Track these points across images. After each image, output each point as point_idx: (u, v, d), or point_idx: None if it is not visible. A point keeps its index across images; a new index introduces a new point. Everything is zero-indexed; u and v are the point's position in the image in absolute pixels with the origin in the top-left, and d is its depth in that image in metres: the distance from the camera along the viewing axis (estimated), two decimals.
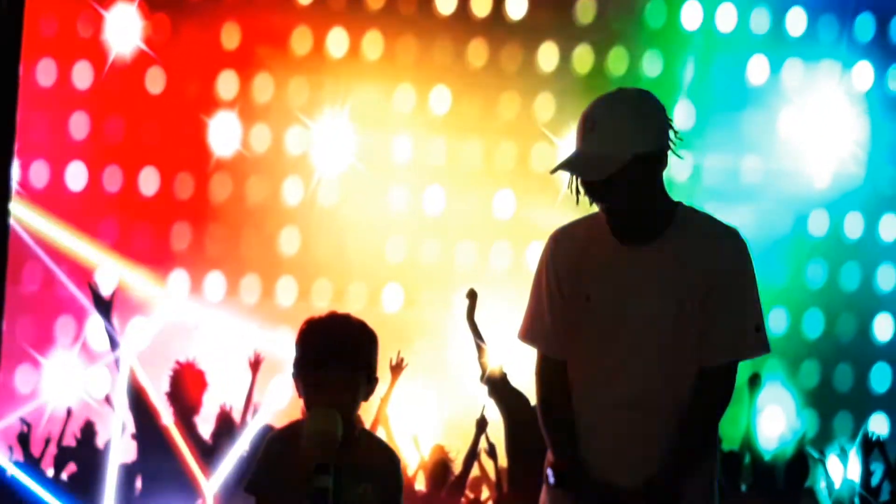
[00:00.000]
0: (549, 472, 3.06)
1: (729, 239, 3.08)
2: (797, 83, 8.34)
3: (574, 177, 3.05)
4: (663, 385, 3.04)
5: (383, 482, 2.91)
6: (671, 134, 3.06)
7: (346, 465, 2.85)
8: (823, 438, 7.96)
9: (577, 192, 3.06)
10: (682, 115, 8.00)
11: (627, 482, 3.02)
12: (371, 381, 2.93)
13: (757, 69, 8.34)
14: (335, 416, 2.78)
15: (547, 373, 3.11)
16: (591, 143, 3.00)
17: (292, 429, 2.90)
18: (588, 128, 3.02)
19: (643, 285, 3.04)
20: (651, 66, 8.24)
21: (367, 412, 5.77)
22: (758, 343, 3.06)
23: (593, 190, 3.04)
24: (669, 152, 3.08)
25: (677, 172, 7.87)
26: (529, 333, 3.14)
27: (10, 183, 4.89)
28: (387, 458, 2.96)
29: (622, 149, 2.98)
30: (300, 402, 2.96)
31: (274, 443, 2.92)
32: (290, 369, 2.97)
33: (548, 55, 8.22)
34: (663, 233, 3.06)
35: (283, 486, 2.80)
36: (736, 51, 8.32)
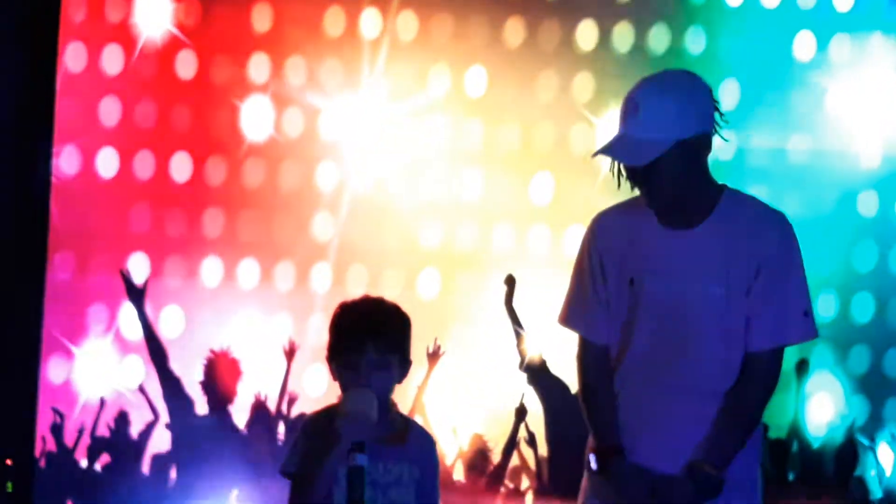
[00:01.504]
0: (592, 457, 3.08)
1: (775, 223, 3.08)
2: (845, 59, 8.25)
3: (615, 161, 3.04)
4: (712, 371, 3.05)
5: (420, 464, 2.97)
6: (716, 116, 3.07)
7: (381, 447, 2.90)
8: (873, 425, 7.89)
9: (619, 175, 3.06)
10: (726, 94, 7.94)
11: (671, 468, 3.02)
12: (405, 364, 2.99)
13: (803, 45, 8.25)
14: (370, 396, 2.84)
15: (589, 358, 3.14)
16: (634, 127, 3.01)
17: (328, 412, 2.96)
18: (631, 111, 3.02)
19: (689, 270, 3.05)
20: (693, 43, 8.18)
21: (403, 400, 5.79)
22: (805, 328, 3.07)
23: (635, 175, 3.05)
24: (714, 135, 3.08)
25: (722, 153, 7.82)
26: (570, 318, 3.16)
27: (50, 176, 4.95)
28: (423, 440, 3.01)
29: (665, 134, 2.99)
30: (335, 391, 3.00)
31: (309, 426, 2.99)
32: (325, 356, 3.02)
33: (587, 33, 8.18)
34: (708, 217, 3.07)
35: (318, 467, 2.85)
36: (781, 26, 8.24)
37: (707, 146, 3.05)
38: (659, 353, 3.03)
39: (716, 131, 3.06)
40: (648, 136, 2.97)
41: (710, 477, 2.98)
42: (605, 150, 3.04)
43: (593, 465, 3.05)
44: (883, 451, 7.25)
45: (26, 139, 5.72)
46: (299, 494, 2.91)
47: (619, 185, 3.06)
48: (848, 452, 6.94)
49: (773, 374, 3.04)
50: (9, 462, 6.02)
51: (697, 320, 3.02)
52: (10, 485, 5.97)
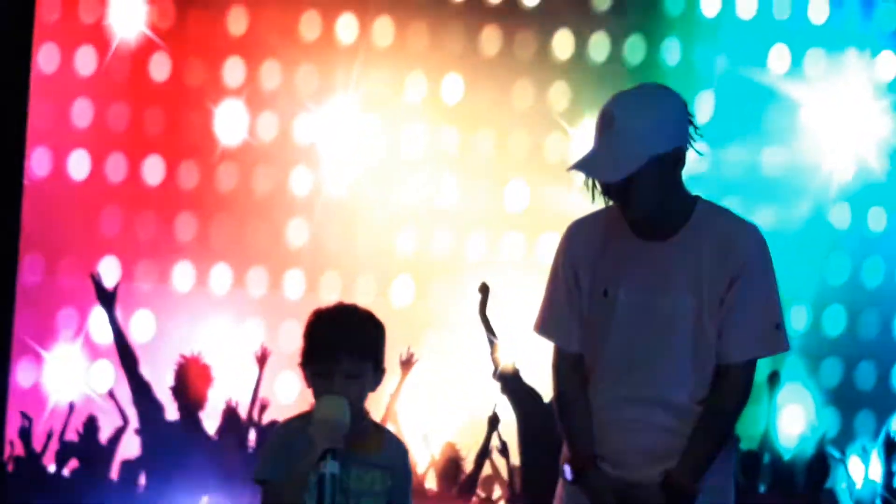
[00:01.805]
0: (567, 467, 3.09)
1: (748, 235, 3.11)
2: (820, 72, 8.32)
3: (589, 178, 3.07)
4: (684, 382, 3.08)
5: (392, 472, 2.98)
6: (691, 130, 3.09)
7: (354, 455, 2.92)
8: (845, 438, 7.95)
9: (594, 189, 3.07)
10: (701, 106, 8.00)
11: (645, 478, 3.05)
12: (378, 372, 3.00)
13: (778, 58, 8.32)
14: (343, 403, 2.85)
15: (564, 367, 3.16)
16: (609, 142, 3.01)
17: (300, 419, 2.97)
18: (606, 124, 3.03)
19: (663, 281, 3.08)
20: (669, 54, 8.23)
21: (376, 408, 5.80)
22: (777, 341, 3.10)
23: (611, 190, 3.07)
24: (689, 149, 3.10)
25: (697, 165, 7.83)
26: (545, 326, 3.18)
27: (22, 177, 4.91)
28: (396, 449, 3.03)
29: (641, 149, 3.00)
30: (307, 397, 3.01)
31: (282, 432, 3.00)
32: (298, 362, 3.03)
33: (563, 43, 8.22)
34: (682, 228, 3.10)
35: (290, 474, 2.87)
36: (757, 39, 8.30)
37: (682, 160, 3.07)
38: (632, 364, 3.06)
39: (690, 145, 3.09)
40: (624, 152, 2.99)
41: (685, 488, 3.01)
42: (581, 166, 3.06)
43: (568, 476, 3.07)
44: (853, 463, 7.30)
45: None
46: (271, 501, 2.91)
47: (593, 199, 3.07)
48: (819, 464, 6.98)
49: (745, 385, 3.07)
50: None
51: (670, 331, 3.05)
52: None
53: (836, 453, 7.25)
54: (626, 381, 3.07)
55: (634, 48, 8.22)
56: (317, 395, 2.94)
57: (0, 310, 5.74)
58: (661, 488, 3.01)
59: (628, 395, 3.07)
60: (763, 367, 7.05)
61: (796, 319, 8.09)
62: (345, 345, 2.93)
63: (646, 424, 3.05)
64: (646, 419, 3.05)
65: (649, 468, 3.04)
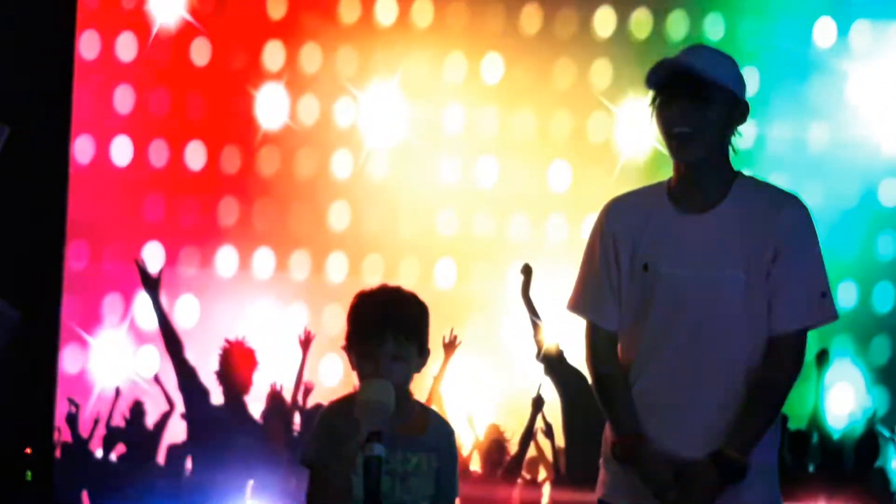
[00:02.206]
0: (612, 446, 3.08)
1: (790, 205, 3.09)
2: (866, 45, 8.23)
3: (660, 94, 3.03)
4: (733, 356, 3.05)
5: (438, 453, 2.98)
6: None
7: (400, 436, 2.92)
8: (894, 416, 7.89)
9: (662, 112, 3.03)
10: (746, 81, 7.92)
11: (693, 455, 3.03)
12: (423, 354, 3.00)
13: (823, 31, 8.24)
14: (388, 385, 2.84)
15: (602, 345, 3.14)
16: (700, 60, 3.05)
17: (346, 401, 2.97)
18: (695, 50, 3.10)
19: (708, 254, 3.05)
20: (712, 29, 8.17)
21: (420, 391, 5.81)
22: (825, 309, 3.06)
23: (683, 109, 3.02)
24: (745, 121, 3.12)
25: (742, 141, 7.75)
26: (580, 304, 3.16)
27: (68, 164, 4.95)
28: (441, 430, 3.02)
29: (725, 75, 3.05)
30: (351, 380, 3.02)
31: (328, 415, 3.00)
32: (342, 345, 3.04)
33: (604, 20, 8.18)
34: (723, 200, 3.08)
35: (337, 457, 2.87)
36: (801, 12, 8.22)
37: (740, 119, 3.10)
38: (676, 339, 3.03)
39: (747, 113, 3.12)
40: (713, 71, 3.03)
41: (736, 463, 2.99)
42: (672, 59, 3.05)
43: (617, 454, 3.05)
44: None
45: (44, 129, 5.76)
46: (318, 484, 2.93)
47: (653, 115, 2.99)
48: (868, 443, 6.93)
49: (797, 356, 3.04)
50: (28, 451, 6.07)
51: (718, 305, 3.01)
52: (28, 473, 6.02)
53: (885, 432, 7.20)
54: (671, 358, 3.04)
55: (677, 24, 8.16)
56: (361, 377, 2.95)
57: (49, 298, 5.81)
58: (711, 463, 2.99)
59: (673, 371, 3.04)
60: (812, 346, 6.99)
61: (845, 296, 8.03)
62: (389, 326, 2.93)
63: (694, 401, 3.02)
64: (693, 396, 3.02)
65: (698, 445, 3.01)
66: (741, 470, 3.01)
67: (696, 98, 3.01)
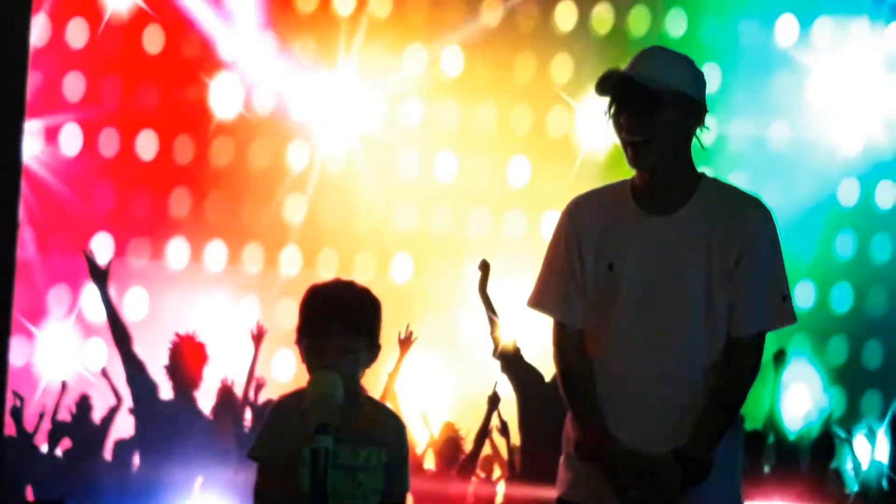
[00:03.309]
0: (576, 444, 3.10)
1: (753, 207, 3.15)
2: (828, 43, 8.29)
3: (612, 101, 3.07)
4: (693, 356, 3.10)
5: (388, 448, 3.00)
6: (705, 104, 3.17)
7: (349, 431, 2.93)
8: (851, 418, 7.96)
9: (617, 119, 3.08)
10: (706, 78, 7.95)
11: (657, 453, 3.07)
12: (373, 348, 3.02)
13: (785, 29, 8.29)
14: (336, 379, 2.87)
15: (567, 343, 3.17)
16: (644, 67, 3.09)
17: (296, 395, 2.99)
18: (644, 56, 3.13)
19: (670, 256, 3.10)
20: (674, 26, 8.20)
21: (374, 387, 5.80)
22: (785, 313, 3.13)
23: (634, 117, 3.06)
24: (702, 125, 3.15)
25: (703, 139, 7.76)
26: (544, 301, 3.19)
27: (21, 154, 4.87)
28: (391, 424, 3.05)
29: (674, 78, 3.08)
30: (304, 376, 3.02)
31: (277, 409, 3.03)
32: (294, 339, 3.06)
33: (565, 14, 8.19)
34: (688, 202, 3.13)
35: (286, 450, 2.89)
36: (763, 9, 8.27)
37: (699, 120, 3.13)
38: (638, 338, 3.08)
39: (706, 112, 3.13)
40: (660, 77, 3.06)
41: (700, 461, 3.04)
42: (619, 71, 3.09)
43: (580, 451, 3.07)
44: (860, 443, 7.31)
45: None
46: (265, 479, 2.95)
47: (607, 120, 3.05)
48: (824, 445, 6.99)
49: (755, 358, 3.11)
50: None
51: (680, 306, 3.07)
52: None
53: (841, 433, 7.26)
54: (633, 357, 3.09)
55: (638, 19, 8.19)
56: (310, 370, 2.97)
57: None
58: (674, 461, 3.03)
59: (635, 370, 3.09)
60: (769, 346, 7.01)
61: (802, 296, 8.09)
62: (338, 320, 2.96)
63: (654, 400, 3.07)
64: (654, 394, 3.07)
65: (660, 444, 3.06)
66: (704, 468, 3.05)
67: (646, 106, 3.05)
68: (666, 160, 3.08)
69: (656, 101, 3.04)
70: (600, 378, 3.12)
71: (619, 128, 3.08)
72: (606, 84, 3.07)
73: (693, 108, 3.09)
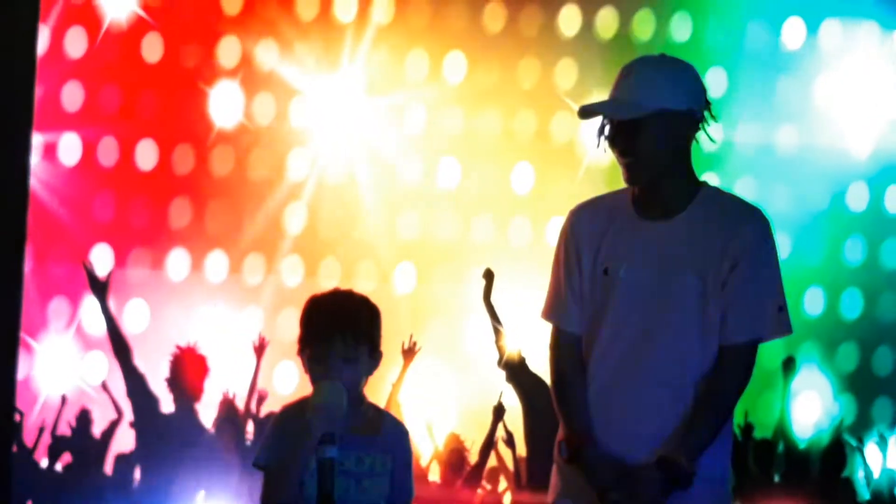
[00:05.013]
0: (562, 446, 3.13)
1: (751, 217, 3.17)
2: (835, 47, 8.29)
3: (603, 123, 3.16)
4: (685, 362, 3.12)
5: (393, 454, 3.05)
6: (706, 113, 3.19)
7: (354, 438, 2.98)
8: (862, 425, 7.95)
9: (606, 137, 3.15)
10: (712, 83, 7.96)
11: (640, 457, 3.09)
12: (374, 356, 3.07)
13: (792, 32, 8.29)
14: (340, 388, 2.92)
15: (562, 347, 3.21)
16: (623, 89, 3.13)
17: (300, 405, 3.03)
18: (625, 75, 3.16)
19: (666, 260, 3.14)
20: (679, 30, 8.20)
21: (378, 399, 5.79)
22: (779, 323, 3.15)
23: (620, 141, 3.13)
24: (700, 130, 3.18)
25: (709, 144, 7.79)
26: (553, 312, 3.23)
27: (28, 167, 4.87)
28: (395, 430, 3.09)
29: (652, 97, 3.10)
30: (306, 388, 3.04)
31: (282, 418, 3.07)
32: (297, 350, 3.10)
33: (569, 19, 8.20)
34: (686, 209, 3.16)
35: (290, 460, 2.94)
36: (770, 12, 8.27)
37: (693, 127, 3.15)
38: (631, 343, 3.12)
39: (703, 120, 3.15)
40: (636, 98, 3.10)
41: (682, 468, 3.05)
42: (595, 105, 3.16)
43: (563, 454, 3.11)
44: (871, 451, 7.29)
45: (4, 127, 5.68)
46: (271, 487, 2.99)
47: (598, 144, 3.14)
48: (835, 453, 6.97)
49: (746, 367, 3.12)
50: None
51: (672, 311, 3.10)
52: None
53: (852, 441, 7.24)
54: (625, 361, 3.12)
55: (643, 23, 8.19)
56: (314, 380, 3.01)
57: (7, 303, 5.72)
58: (657, 468, 3.05)
59: (627, 375, 3.12)
60: (778, 353, 7.06)
61: (812, 303, 8.08)
62: (338, 328, 3.00)
63: (645, 405, 3.10)
64: (645, 399, 3.10)
65: (649, 449, 3.08)
66: (687, 476, 3.06)
67: (627, 128, 3.10)
68: (658, 175, 3.13)
69: (635, 126, 3.09)
70: (592, 381, 3.15)
71: (611, 148, 3.15)
72: (585, 114, 3.15)
73: (680, 119, 3.12)
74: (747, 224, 3.12)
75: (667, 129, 3.10)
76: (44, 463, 6.69)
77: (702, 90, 3.16)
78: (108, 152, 7.77)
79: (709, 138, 3.18)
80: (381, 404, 6.38)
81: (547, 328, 3.28)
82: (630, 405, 3.10)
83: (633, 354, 3.11)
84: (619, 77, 3.15)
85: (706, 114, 3.16)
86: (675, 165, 3.14)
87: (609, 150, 3.15)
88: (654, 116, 3.08)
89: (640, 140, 3.08)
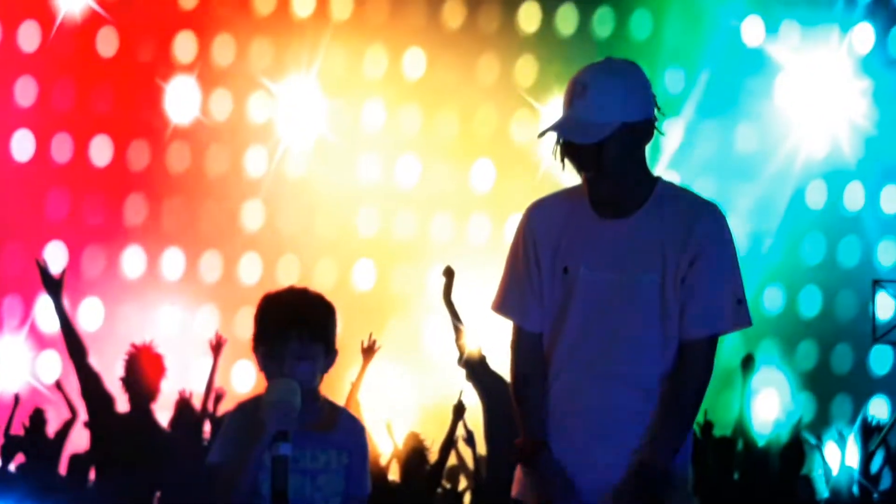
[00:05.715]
0: (513, 445, 3.16)
1: (708, 213, 3.20)
2: (794, 46, 8.36)
3: (559, 142, 3.15)
4: (647, 359, 3.15)
5: (348, 450, 3.05)
6: (655, 109, 3.21)
7: (309, 435, 2.98)
8: (821, 423, 8.02)
9: (562, 158, 3.12)
10: (672, 81, 8.01)
11: (606, 457, 3.11)
12: (330, 354, 3.07)
13: (752, 31, 8.35)
14: (293, 385, 2.92)
15: (523, 346, 3.22)
16: (582, 109, 3.13)
17: (254, 402, 3.03)
18: (578, 92, 3.15)
19: (624, 258, 3.16)
20: (639, 27, 8.24)
21: (337, 397, 5.77)
22: (738, 316, 3.16)
23: (580, 156, 3.12)
24: (654, 126, 3.20)
25: (667, 142, 7.88)
26: (504, 305, 3.24)
27: None
28: (351, 427, 3.09)
29: (613, 116, 3.11)
30: (264, 385, 3.03)
31: (236, 416, 3.07)
32: (251, 346, 3.10)
33: (529, 15, 8.22)
34: (643, 206, 3.18)
35: (243, 457, 2.94)
36: (729, 10, 8.32)
37: (648, 134, 3.19)
38: (593, 342, 3.13)
39: (656, 121, 3.18)
40: (596, 117, 3.10)
41: (659, 471, 3.07)
42: (555, 129, 3.15)
43: (517, 455, 3.13)
44: (830, 449, 7.36)
45: None
46: (224, 484, 2.99)
47: (563, 167, 3.13)
48: (794, 451, 7.03)
49: (708, 362, 3.15)
50: None
51: (634, 308, 3.12)
52: None
53: (811, 439, 7.30)
54: (587, 360, 3.14)
55: (603, 20, 8.22)
56: (268, 378, 3.01)
57: None
58: (635, 475, 3.06)
59: (590, 373, 3.14)
60: (737, 351, 7.10)
61: (771, 301, 8.14)
62: (293, 326, 3.00)
63: (608, 403, 3.12)
64: (608, 397, 3.12)
65: (612, 447, 3.11)
66: (664, 477, 3.08)
67: (591, 148, 3.11)
68: (620, 181, 3.15)
69: (597, 143, 3.11)
70: (555, 380, 3.16)
71: (570, 160, 3.16)
72: (553, 132, 3.14)
73: (637, 129, 3.15)
74: (704, 219, 3.15)
75: (627, 142, 3.12)
76: None
77: (651, 92, 3.18)
78: (62, 148, 7.71)
79: (659, 132, 3.20)
80: (341, 403, 6.37)
81: (507, 327, 3.29)
82: (594, 404, 3.12)
83: (595, 354, 3.13)
84: (570, 93, 3.14)
85: (656, 113, 3.18)
86: (633, 166, 3.17)
87: (567, 163, 3.14)
88: (616, 132, 3.09)
89: (603, 157, 3.10)
